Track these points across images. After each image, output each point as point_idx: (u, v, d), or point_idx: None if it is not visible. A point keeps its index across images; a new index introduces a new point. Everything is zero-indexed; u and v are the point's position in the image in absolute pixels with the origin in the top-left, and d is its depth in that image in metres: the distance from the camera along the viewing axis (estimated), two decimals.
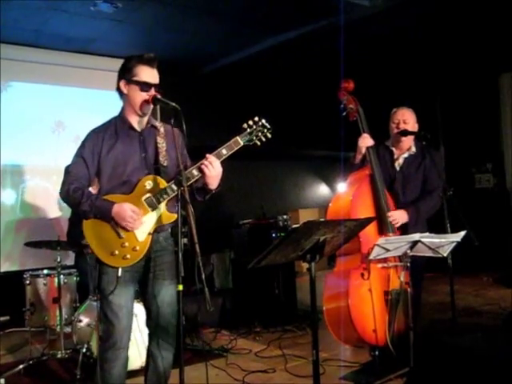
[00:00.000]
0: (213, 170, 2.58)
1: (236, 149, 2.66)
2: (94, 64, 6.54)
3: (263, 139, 2.72)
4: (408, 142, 3.83)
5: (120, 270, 2.56)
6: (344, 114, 3.74)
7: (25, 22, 5.58)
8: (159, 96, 2.61)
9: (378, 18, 5.91)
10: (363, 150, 3.66)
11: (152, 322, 2.72)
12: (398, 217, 3.60)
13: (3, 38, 5.75)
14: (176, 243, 2.51)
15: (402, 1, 5.56)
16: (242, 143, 2.67)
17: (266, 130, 2.73)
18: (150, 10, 5.50)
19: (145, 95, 2.63)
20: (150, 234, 2.62)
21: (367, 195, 3.62)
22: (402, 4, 5.59)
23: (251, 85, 8.06)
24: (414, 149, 3.83)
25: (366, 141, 3.65)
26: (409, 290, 3.31)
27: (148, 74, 2.65)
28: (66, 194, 2.62)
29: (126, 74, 2.66)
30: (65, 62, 6.45)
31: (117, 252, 2.56)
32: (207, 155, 2.61)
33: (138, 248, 2.59)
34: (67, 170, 2.67)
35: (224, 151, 2.64)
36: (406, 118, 3.79)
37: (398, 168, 3.82)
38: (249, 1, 5.50)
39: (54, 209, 6.12)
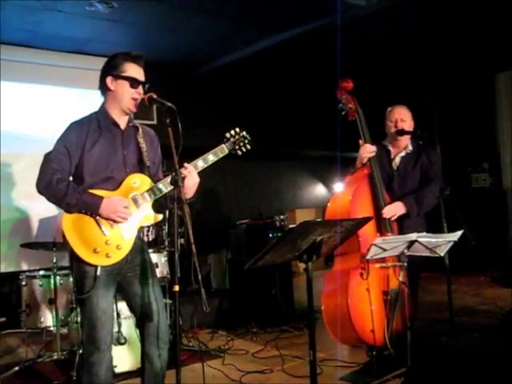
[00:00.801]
0: (191, 179, 2.57)
1: (222, 156, 2.71)
2: (90, 64, 6.51)
3: (244, 150, 2.79)
4: (405, 141, 3.83)
5: (99, 268, 2.47)
6: (343, 113, 3.72)
7: (20, 23, 5.55)
8: (155, 96, 2.57)
9: (375, 17, 5.91)
10: (365, 161, 3.62)
11: (142, 322, 2.66)
12: (391, 211, 3.55)
13: None
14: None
15: (398, 0, 5.56)
16: (227, 151, 2.73)
17: (246, 141, 2.80)
18: (145, 10, 5.48)
19: (133, 92, 2.60)
20: (134, 232, 2.58)
21: (366, 195, 3.61)
22: (398, 4, 5.59)
23: (248, 85, 8.04)
24: (410, 147, 3.84)
25: (368, 151, 3.62)
26: (406, 289, 3.31)
27: (136, 71, 2.63)
28: (48, 184, 2.46)
29: (113, 70, 2.62)
30: (60, 62, 6.41)
31: (99, 249, 2.48)
32: (185, 164, 2.58)
33: (121, 246, 2.53)
34: (48, 159, 2.52)
35: (210, 157, 2.67)
36: (403, 116, 3.79)
37: (395, 167, 3.82)
38: (244, 1, 5.49)
39: (51, 209, 6.09)
